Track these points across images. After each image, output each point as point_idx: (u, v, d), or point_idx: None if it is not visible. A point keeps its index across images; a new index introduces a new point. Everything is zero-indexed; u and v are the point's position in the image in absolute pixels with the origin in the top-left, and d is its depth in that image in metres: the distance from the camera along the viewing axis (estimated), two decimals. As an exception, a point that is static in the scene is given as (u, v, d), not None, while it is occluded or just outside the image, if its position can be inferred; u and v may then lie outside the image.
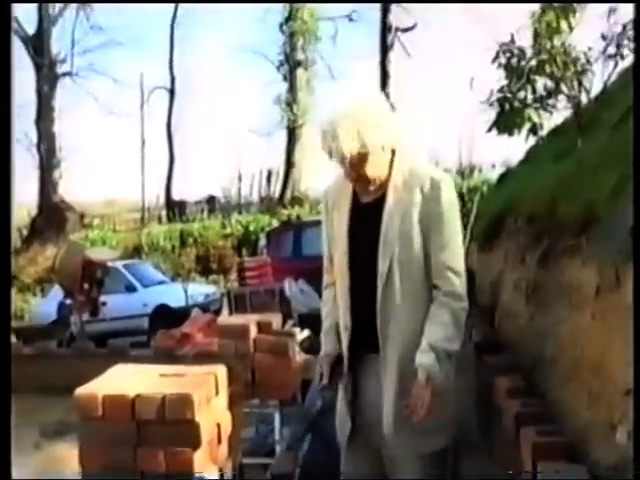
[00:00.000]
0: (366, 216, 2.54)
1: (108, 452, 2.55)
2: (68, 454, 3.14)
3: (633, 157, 2.16)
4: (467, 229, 7.87)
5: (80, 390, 2.59)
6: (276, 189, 26.15)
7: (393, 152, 2.50)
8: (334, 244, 2.64)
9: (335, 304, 2.68)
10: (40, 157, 25.39)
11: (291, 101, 25.73)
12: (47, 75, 25.38)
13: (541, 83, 4.96)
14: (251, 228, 20.51)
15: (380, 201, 2.51)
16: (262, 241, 15.18)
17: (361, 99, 2.53)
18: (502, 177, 7.46)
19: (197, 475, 2.57)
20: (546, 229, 3.15)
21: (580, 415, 2.20)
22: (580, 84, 4.63)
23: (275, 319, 4.73)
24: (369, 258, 2.49)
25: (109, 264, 10.71)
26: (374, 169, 2.45)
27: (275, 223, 18.15)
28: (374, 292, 2.48)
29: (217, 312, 10.74)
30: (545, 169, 4.29)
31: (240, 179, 26.60)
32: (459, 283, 2.46)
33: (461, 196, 18.82)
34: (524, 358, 2.99)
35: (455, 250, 2.49)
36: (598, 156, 3.24)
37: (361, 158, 2.41)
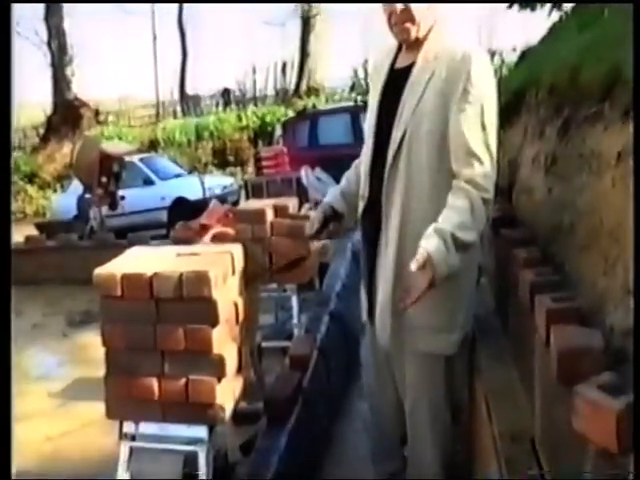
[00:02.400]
0: (397, 81, 2.44)
1: (129, 330, 2.60)
2: (93, 341, 3.23)
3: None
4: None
5: (99, 270, 2.62)
6: (291, 80, 25.70)
7: (434, 22, 2.42)
8: (369, 109, 2.56)
9: (357, 170, 2.64)
10: (52, 55, 24.97)
11: (305, -11, 24.89)
12: (53, -31, 24.59)
13: (566, -49, 4.68)
14: (267, 119, 20.27)
15: (411, 68, 2.41)
16: (278, 131, 15.01)
17: None
18: (523, 55, 7.19)
19: None
20: (567, 98, 3.03)
21: (597, 282, 2.18)
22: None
23: (291, 203, 4.71)
24: (391, 126, 2.39)
25: (126, 158, 10.70)
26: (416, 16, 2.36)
27: (291, 114, 17.89)
28: None
29: (235, 204, 10.76)
30: (568, 41, 4.10)
31: (255, 71, 26.14)
32: (482, 171, 2.25)
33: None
34: (542, 230, 2.95)
35: (480, 133, 2.27)
36: (625, 23, 3.08)
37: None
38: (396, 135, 2.36)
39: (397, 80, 2.45)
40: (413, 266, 2.13)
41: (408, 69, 2.43)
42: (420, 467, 2.55)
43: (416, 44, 2.41)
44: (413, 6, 2.34)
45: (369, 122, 2.52)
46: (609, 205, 2.31)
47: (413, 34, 2.38)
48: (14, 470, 2.24)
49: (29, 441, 4.06)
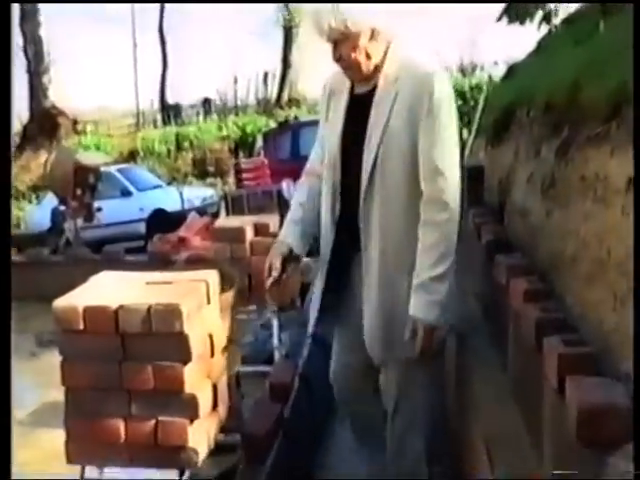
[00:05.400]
0: (359, 108, 2.46)
1: (92, 369, 2.40)
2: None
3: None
4: (471, 126, 7.59)
5: (59, 302, 2.41)
6: (273, 90, 25.65)
7: (389, 45, 2.41)
8: (328, 133, 2.56)
9: (313, 196, 2.62)
10: (27, 61, 24.58)
11: (287, -1, 24.77)
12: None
13: (558, -36, 4.56)
14: (248, 130, 20.15)
15: (373, 92, 2.43)
16: (259, 142, 14.88)
17: None
18: (511, 69, 7.07)
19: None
20: (566, 117, 2.86)
21: (604, 319, 2.00)
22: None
23: (272, 221, 4.52)
24: (358, 152, 2.41)
25: (102, 168, 10.45)
26: (360, 54, 2.35)
27: (272, 124, 17.75)
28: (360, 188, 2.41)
29: (215, 215, 10.56)
30: (563, 56, 3.95)
31: (236, 81, 26.05)
32: (446, 187, 2.34)
33: (463, 94, 18.36)
34: (539, 258, 2.78)
35: (445, 150, 2.36)
36: (625, 36, 2.92)
37: (346, 38, 2.33)
38: (368, 158, 2.39)
39: (359, 106, 2.47)
40: (407, 335, 2.34)
41: (370, 94, 2.45)
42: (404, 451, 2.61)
43: (375, 70, 2.43)
44: (358, 33, 2.33)
45: (332, 150, 2.51)
46: (617, 235, 2.14)
47: (364, 69, 2.40)
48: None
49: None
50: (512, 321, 2.40)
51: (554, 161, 2.92)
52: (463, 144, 8.35)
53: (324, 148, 2.60)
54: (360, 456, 2.97)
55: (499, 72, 11.86)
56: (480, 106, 6.79)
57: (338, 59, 2.40)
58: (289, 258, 2.53)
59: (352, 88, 2.53)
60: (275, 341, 4.96)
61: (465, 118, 14.74)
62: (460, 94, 18.38)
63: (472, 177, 4.42)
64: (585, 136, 2.60)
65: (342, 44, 2.35)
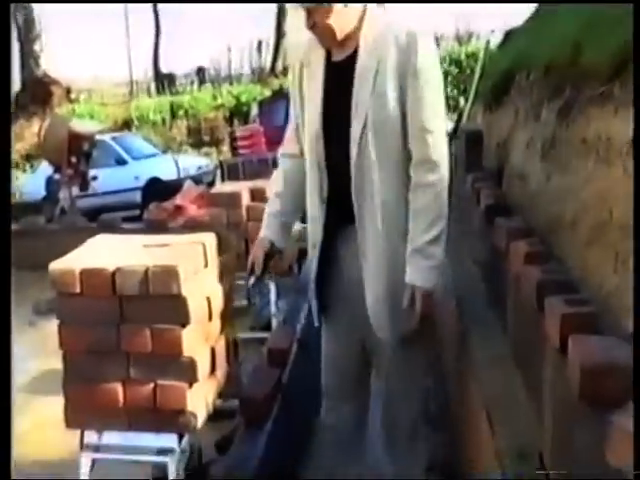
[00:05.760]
0: (339, 75, 2.37)
1: (89, 332, 2.37)
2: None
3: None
4: (469, 91, 7.52)
5: (55, 264, 2.38)
6: (267, 59, 25.41)
7: (365, 8, 2.34)
8: (306, 107, 2.45)
9: (291, 182, 2.55)
10: (17, 29, 24.24)
11: (281, -33, 24.39)
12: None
13: None
14: (243, 99, 19.99)
15: (353, 58, 2.34)
16: (254, 111, 14.76)
17: None
18: (508, 35, 6.98)
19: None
20: (568, 79, 2.82)
21: (604, 281, 1.98)
22: None
23: (268, 186, 4.48)
24: (343, 121, 2.32)
25: (97, 137, 10.35)
26: (334, 20, 2.27)
27: (267, 93, 17.61)
28: (349, 158, 2.31)
29: (210, 184, 10.50)
30: (562, 18, 3.89)
31: (230, 50, 25.77)
32: (434, 147, 2.29)
33: (459, 62, 18.21)
34: (539, 221, 2.75)
35: (432, 110, 2.30)
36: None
37: (319, 5, 2.25)
38: (356, 128, 2.31)
39: (339, 74, 2.38)
40: (405, 302, 2.29)
41: (349, 60, 2.36)
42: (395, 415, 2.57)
43: (352, 35, 2.34)
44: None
45: (313, 123, 2.39)
46: (620, 196, 2.11)
47: (339, 35, 2.31)
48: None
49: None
50: (512, 284, 2.38)
51: (555, 123, 2.88)
52: (460, 112, 8.33)
53: (299, 125, 2.50)
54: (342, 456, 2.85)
55: (496, 40, 11.74)
56: (477, 73, 6.71)
57: (312, 26, 2.31)
58: (272, 253, 2.52)
59: (328, 57, 2.42)
60: (273, 308, 4.96)
61: (461, 86, 14.66)
62: (456, 62, 18.27)
63: (470, 141, 4.37)
64: (588, 96, 2.56)
65: (316, 11, 2.26)
